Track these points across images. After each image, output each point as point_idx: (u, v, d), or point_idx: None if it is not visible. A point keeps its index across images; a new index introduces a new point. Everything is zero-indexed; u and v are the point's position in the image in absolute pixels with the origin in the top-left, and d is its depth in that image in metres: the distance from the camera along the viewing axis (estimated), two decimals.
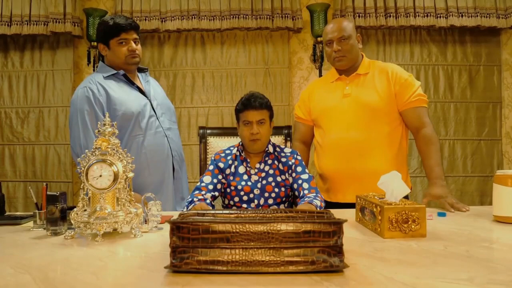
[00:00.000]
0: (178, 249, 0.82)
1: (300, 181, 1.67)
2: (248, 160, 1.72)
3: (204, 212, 0.91)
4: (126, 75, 1.88)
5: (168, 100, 2.09)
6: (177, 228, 0.82)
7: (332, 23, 1.88)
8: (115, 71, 1.86)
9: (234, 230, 0.81)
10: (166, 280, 0.78)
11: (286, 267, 0.79)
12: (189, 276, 0.79)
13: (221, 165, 1.72)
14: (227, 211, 0.92)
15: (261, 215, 0.89)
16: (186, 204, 1.60)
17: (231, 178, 1.70)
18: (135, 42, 1.85)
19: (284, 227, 0.81)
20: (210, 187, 1.66)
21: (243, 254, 0.80)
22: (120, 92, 1.83)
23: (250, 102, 1.66)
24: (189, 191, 1.98)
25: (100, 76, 1.84)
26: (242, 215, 0.88)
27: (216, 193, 1.68)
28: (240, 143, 1.75)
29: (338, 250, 0.82)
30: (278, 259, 0.80)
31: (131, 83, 1.89)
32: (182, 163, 2.02)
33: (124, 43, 1.82)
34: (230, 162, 1.73)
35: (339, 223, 0.82)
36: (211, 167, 1.72)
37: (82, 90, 1.79)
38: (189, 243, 0.81)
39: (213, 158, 1.76)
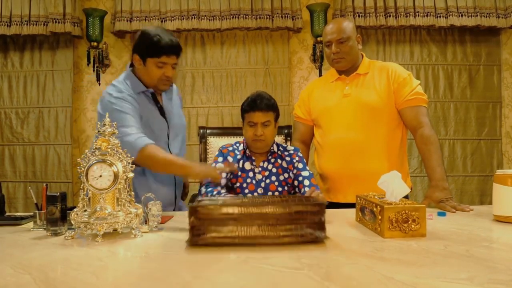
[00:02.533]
0: (195, 228, 1.02)
1: (301, 178, 1.69)
2: (253, 158, 1.74)
3: (216, 198, 1.18)
4: (154, 95, 1.77)
5: (183, 118, 1.96)
6: (195, 211, 1.02)
7: (331, 24, 1.88)
8: (145, 89, 1.74)
9: (240, 212, 1.02)
10: (166, 280, 0.78)
11: (281, 239, 1.02)
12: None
13: (230, 159, 1.74)
14: (235, 198, 1.17)
15: (261, 200, 1.13)
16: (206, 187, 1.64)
17: (239, 173, 1.72)
18: (173, 67, 1.72)
19: (280, 209, 1.03)
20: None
21: (248, 230, 1.02)
22: (144, 109, 1.72)
23: (256, 104, 1.66)
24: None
25: (131, 87, 1.72)
26: (246, 200, 1.13)
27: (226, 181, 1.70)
28: (245, 140, 1.77)
29: (321, 226, 1.04)
30: (275, 234, 1.02)
31: (155, 102, 1.77)
32: (184, 189, 1.98)
33: (161, 66, 1.69)
34: (238, 157, 1.74)
35: (322, 204, 1.05)
36: (220, 159, 1.73)
37: (114, 88, 1.70)
38: (204, 222, 1.02)
39: (221, 151, 1.76)
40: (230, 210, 1.01)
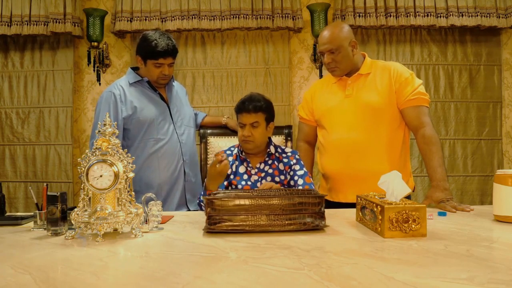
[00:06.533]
0: (211, 217, 1.15)
1: (296, 177, 1.72)
2: (249, 160, 1.74)
3: (229, 191, 1.29)
4: (150, 82, 2.03)
5: (189, 106, 2.22)
6: (211, 202, 1.15)
7: (323, 33, 1.86)
8: (140, 78, 2.02)
9: (250, 203, 1.15)
10: (166, 280, 0.78)
11: (287, 227, 1.16)
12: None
13: None
14: (246, 191, 1.28)
15: (269, 193, 1.23)
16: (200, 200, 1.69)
17: (232, 177, 1.72)
18: (169, 66, 1.99)
19: (285, 201, 1.17)
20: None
21: (257, 219, 1.15)
22: (140, 97, 1.99)
23: (244, 106, 1.71)
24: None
25: (126, 81, 2.02)
26: (255, 193, 1.22)
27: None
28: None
29: (321, 215, 1.18)
30: (281, 222, 1.16)
31: (153, 89, 2.03)
32: (195, 167, 2.10)
33: (159, 66, 1.97)
34: (231, 162, 1.74)
35: (322, 196, 1.19)
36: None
37: (106, 93, 1.97)
38: (219, 213, 1.14)
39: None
40: (242, 201, 1.15)
